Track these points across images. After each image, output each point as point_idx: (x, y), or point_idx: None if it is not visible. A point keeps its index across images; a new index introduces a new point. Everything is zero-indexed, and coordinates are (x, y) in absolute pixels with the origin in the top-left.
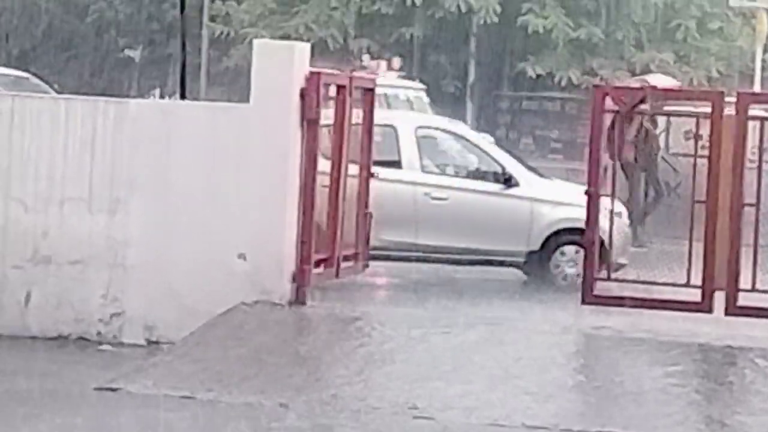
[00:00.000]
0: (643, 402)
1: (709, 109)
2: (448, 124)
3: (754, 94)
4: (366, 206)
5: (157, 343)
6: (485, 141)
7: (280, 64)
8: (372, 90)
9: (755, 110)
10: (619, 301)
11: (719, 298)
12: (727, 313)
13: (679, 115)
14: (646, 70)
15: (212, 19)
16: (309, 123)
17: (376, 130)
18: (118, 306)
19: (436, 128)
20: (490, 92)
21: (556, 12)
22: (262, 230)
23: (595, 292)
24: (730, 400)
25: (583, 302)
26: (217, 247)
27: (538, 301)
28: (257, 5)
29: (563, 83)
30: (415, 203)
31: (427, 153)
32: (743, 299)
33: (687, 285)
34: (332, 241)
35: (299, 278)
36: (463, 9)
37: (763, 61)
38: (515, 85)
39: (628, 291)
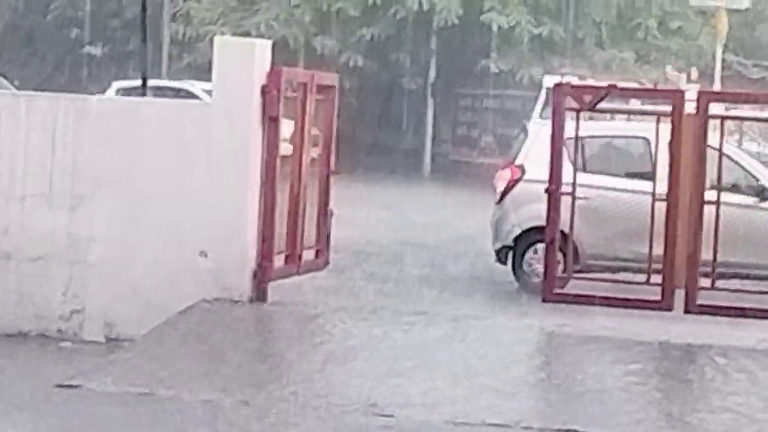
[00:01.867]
0: (605, 400)
1: (669, 108)
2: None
3: (714, 92)
4: (327, 203)
5: (117, 340)
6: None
7: (241, 62)
8: (333, 88)
9: (715, 109)
10: (580, 300)
11: (679, 297)
12: (686, 312)
13: (639, 113)
14: (608, 69)
15: (173, 16)
16: (270, 120)
17: (627, 142)
18: (78, 303)
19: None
20: (451, 90)
21: (519, 10)
22: (224, 227)
23: (557, 290)
24: (690, 398)
25: (544, 300)
26: (178, 244)
27: (501, 298)
28: (218, 3)
29: (525, 81)
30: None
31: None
32: (703, 297)
33: (647, 283)
34: (293, 238)
35: (260, 275)
36: (425, 8)
37: (723, 60)
38: (477, 82)
39: (589, 289)
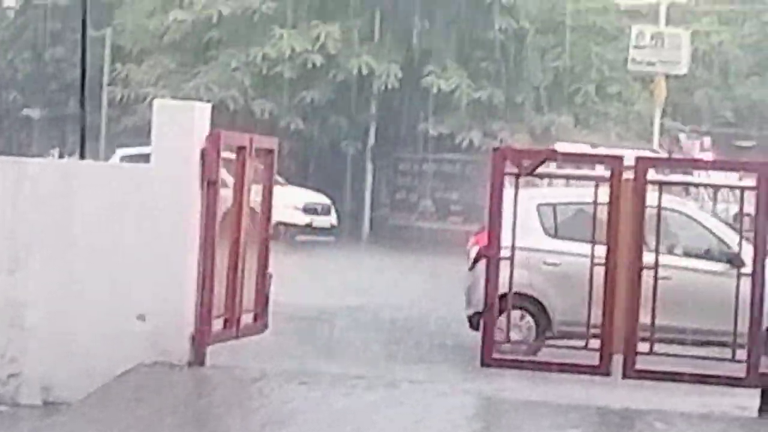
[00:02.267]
0: None
1: (608, 173)
2: (676, 203)
3: (652, 158)
4: (266, 267)
5: (55, 404)
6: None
7: (180, 125)
8: (272, 151)
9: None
10: (518, 364)
11: (617, 362)
12: (625, 377)
13: (577, 178)
14: (546, 133)
15: (112, 79)
16: (209, 184)
17: (599, 209)
18: (16, 367)
19: (664, 208)
20: (390, 154)
21: (458, 73)
22: (162, 291)
23: (495, 355)
24: None
25: (483, 365)
26: (117, 307)
27: (443, 362)
28: (157, 66)
29: (464, 145)
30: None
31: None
32: (641, 362)
33: (586, 348)
34: (232, 302)
35: (199, 339)
36: (365, 72)
37: (661, 125)
38: (416, 146)
39: (527, 354)
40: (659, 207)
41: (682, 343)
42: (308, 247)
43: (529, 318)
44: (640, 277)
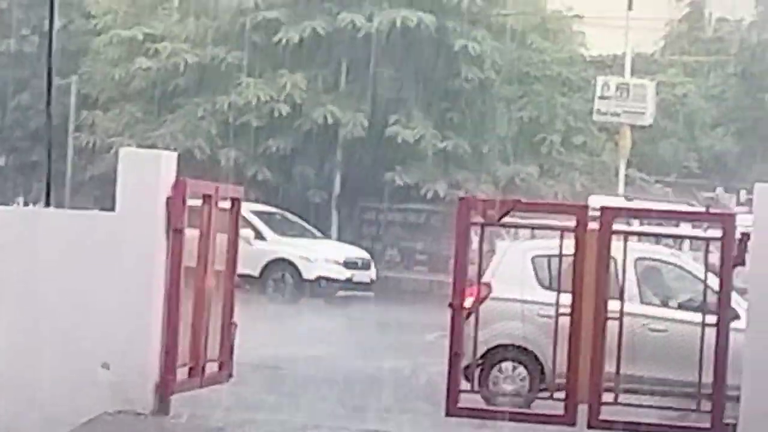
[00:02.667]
0: None
1: (573, 223)
2: (669, 255)
3: (617, 208)
4: (231, 316)
5: None
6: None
7: (146, 173)
8: (238, 200)
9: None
10: (483, 414)
11: (582, 411)
12: (589, 427)
13: (542, 228)
14: (511, 184)
15: (78, 127)
16: (175, 232)
17: None
18: None
19: (657, 259)
20: (356, 203)
21: (424, 123)
22: (126, 339)
23: (460, 404)
24: None
25: (448, 414)
26: (80, 356)
27: (405, 412)
28: (123, 114)
29: (429, 195)
30: (634, 335)
31: (647, 284)
32: (606, 413)
33: (551, 398)
34: (197, 351)
35: (163, 388)
36: (330, 121)
37: (627, 176)
38: (381, 196)
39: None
40: (624, 255)
41: (653, 394)
42: (274, 295)
43: (522, 369)
44: (605, 327)
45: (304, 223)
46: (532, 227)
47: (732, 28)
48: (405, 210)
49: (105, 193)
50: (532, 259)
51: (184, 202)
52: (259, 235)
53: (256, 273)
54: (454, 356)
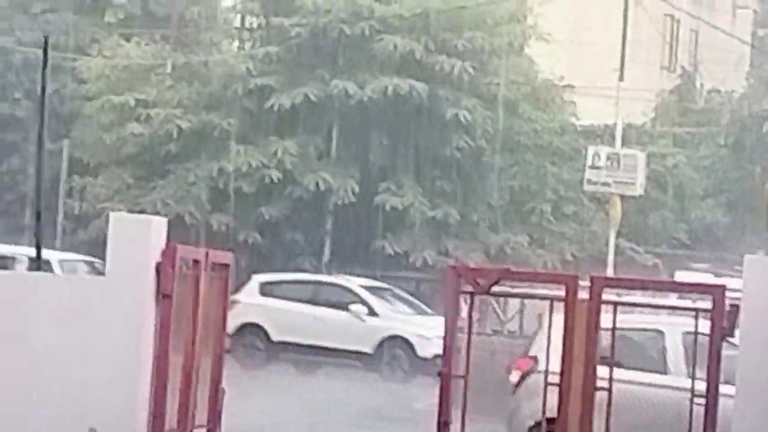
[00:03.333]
0: None
1: (562, 293)
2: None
3: (607, 278)
4: (219, 382)
5: None
6: None
7: (136, 238)
8: (227, 266)
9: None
10: None
11: None
12: None
13: (532, 297)
14: (501, 252)
15: (69, 192)
16: (164, 297)
17: (640, 335)
18: None
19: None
20: (345, 270)
21: (414, 191)
22: (114, 404)
23: None
24: None
25: None
26: (67, 420)
27: None
28: (114, 179)
29: (418, 263)
30: (680, 409)
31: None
32: None
33: None
34: (185, 417)
35: None
36: (322, 187)
37: (616, 245)
38: (371, 263)
39: None
40: (614, 325)
41: None
42: (261, 362)
43: None
44: (593, 397)
45: (414, 299)
46: (522, 296)
47: (723, 100)
48: (394, 278)
49: (95, 257)
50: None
51: (173, 267)
52: (371, 311)
53: (369, 350)
54: (443, 425)
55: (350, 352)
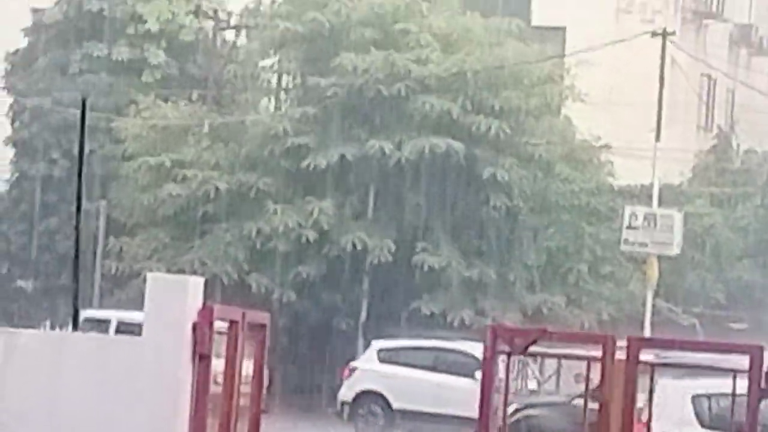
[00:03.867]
0: None
1: (599, 353)
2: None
3: (644, 339)
4: None
5: None
6: None
7: (173, 298)
8: (264, 326)
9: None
10: None
11: None
12: None
13: (569, 357)
14: (538, 313)
15: (106, 252)
16: (201, 358)
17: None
18: None
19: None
20: (382, 331)
21: (450, 251)
22: None
23: None
24: None
25: None
26: None
27: None
28: (151, 240)
29: (456, 323)
30: None
31: None
32: None
33: None
34: None
35: None
36: (358, 247)
37: (654, 306)
38: (408, 323)
39: None
40: (651, 387)
41: None
42: (300, 422)
43: None
44: None
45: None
46: (559, 357)
47: (760, 160)
48: (431, 338)
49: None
50: (693, 398)
51: (210, 327)
52: None
53: None
54: None
55: (474, 420)
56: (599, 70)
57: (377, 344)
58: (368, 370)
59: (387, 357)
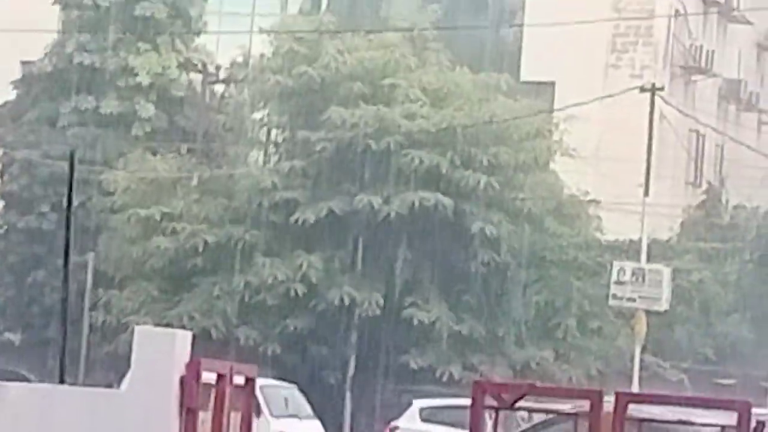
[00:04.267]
0: None
1: (587, 408)
2: None
3: (632, 393)
4: None
5: None
6: None
7: (161, 351)
8: (252, 380)
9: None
10: None
11: None
12: None
13: (557, 413)
14: (526, 367)
15: (94, 305)
16: (188, 411)
17: None
18: None
19: None
20: (370, 385)
21: (439, 305)
22: None
23: None
24: None
25: None
26: None
27: None
28: (140, 293)
29: (444, 378)
30: None
31: None
32: None
33: None
34: None
35: None
36: (346, 301)
37: (642, 361)
38: (396, 378)
39: None
40: None
41: None
42: None
43: None
44: None
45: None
46: (547, 411)
47: (748, 215)
48: (420, 392)
49: (120, 370)
50: None
51: (198, 381)
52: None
53: None
54: None
55: None
56: (588, 124)
57: (419, 403)
58: (411, 429)
59: (429, 416)
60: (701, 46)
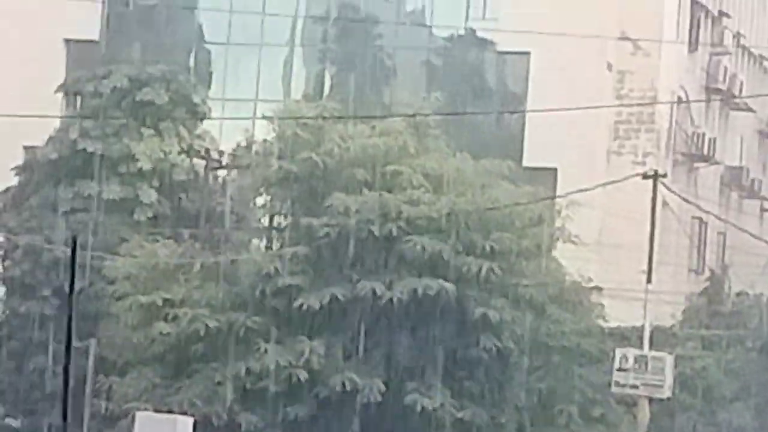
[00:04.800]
0: None
1: None
2: None
3: None
4: None
5: None
6: None
7: None
8: None
9: None
10: None
11: None
12: None
13: None
14: None
15: (95, 391)
16: None
17: None
18: None
19: None
20: None
21: (441, 392)
22: None
23: None
24: None
25: None
26: None
27: None
28: (141, 379)
29: None
30: None
31: None
32: None
33: None
34: None
35: None
36: (348, 388)
37: None
38: None
39: None
40: None
41: None
42: None
43: None
44: None
45: None
46: None
47: (751, 303)
48: None
49: None
50: None
51: None
52: None
53: None
54: None
55: None
56: (590, 211)
57: None
58: None
59: None
60: (703, 134)
